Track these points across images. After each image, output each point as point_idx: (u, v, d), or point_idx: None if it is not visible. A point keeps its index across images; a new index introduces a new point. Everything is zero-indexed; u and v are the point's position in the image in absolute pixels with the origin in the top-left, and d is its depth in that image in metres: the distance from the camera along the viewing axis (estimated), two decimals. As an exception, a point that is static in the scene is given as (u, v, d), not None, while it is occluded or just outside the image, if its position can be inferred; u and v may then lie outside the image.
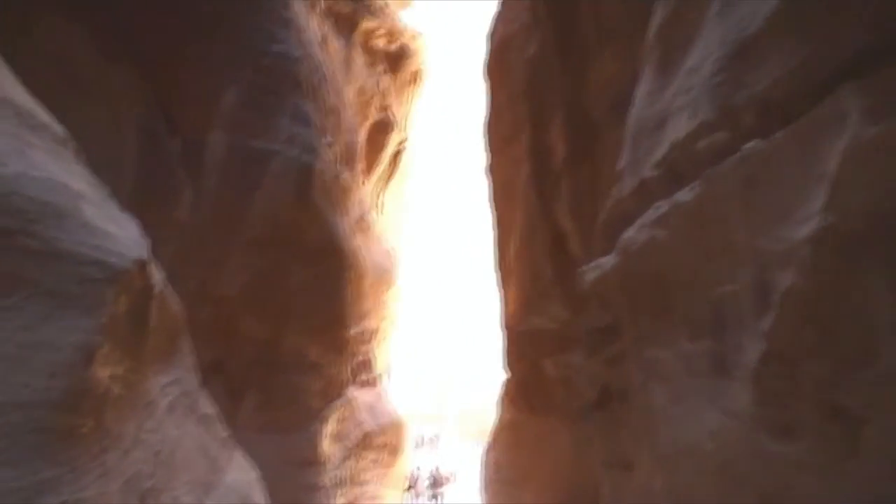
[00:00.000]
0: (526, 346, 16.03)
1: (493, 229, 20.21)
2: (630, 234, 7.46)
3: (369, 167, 23.58)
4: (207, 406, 9.98)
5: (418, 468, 29.23)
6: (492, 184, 20.08)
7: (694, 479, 6.13)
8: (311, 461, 14.55)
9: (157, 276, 7.57)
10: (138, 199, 11.73)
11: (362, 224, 21.12)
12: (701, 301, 6.27)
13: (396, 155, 26.82)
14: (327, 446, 15.48)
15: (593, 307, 8.98)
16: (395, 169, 27.12)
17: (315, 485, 14.42)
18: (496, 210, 19.86)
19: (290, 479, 13.88)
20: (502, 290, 19.09)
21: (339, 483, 16.04)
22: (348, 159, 19.14)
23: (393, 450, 22.72)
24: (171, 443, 8.20)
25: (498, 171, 19.34)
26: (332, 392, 16.05)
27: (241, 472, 10.47)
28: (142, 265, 6.67)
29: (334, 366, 16.01)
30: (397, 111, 25.99)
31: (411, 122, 28.35)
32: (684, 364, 6.44)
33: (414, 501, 28.13)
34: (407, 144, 27.66)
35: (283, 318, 14.41)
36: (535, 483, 15.13)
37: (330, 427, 15.60)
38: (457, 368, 62.05)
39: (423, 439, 51.57)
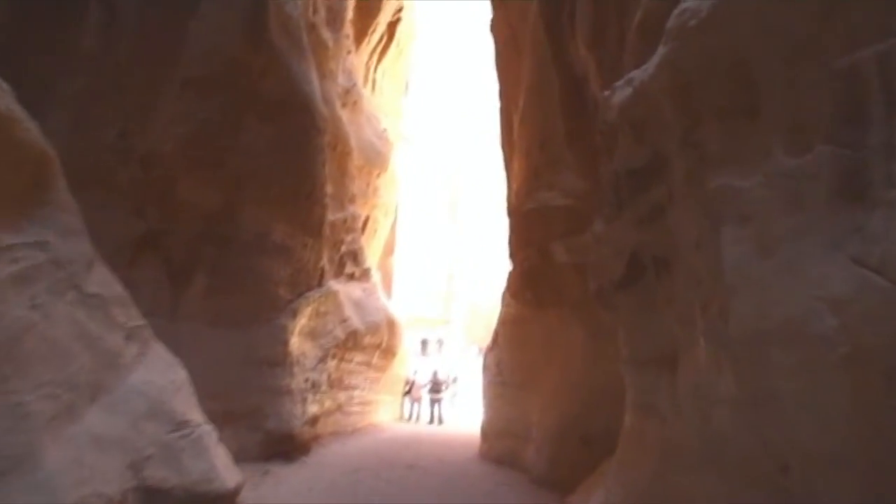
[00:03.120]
0: (532, 228, 13.51)
1: (499, 100, 17.69)
2: (688, 2, 4.79)
3: (360, 35, 20.77)
4: (104, 284, 7.45)
5: (415, 372, 27.30)
6: (495, 43, 17.45)
7: (799, 377, 3.61)
8: (276, 361, 12.22)
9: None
10: (22, 21, 9.07)
11: (349, 97, 18.57)
12: (815, 84, 3.76)
13: (392, 25, 23.92)
14: (298, 345, 13.17)
15: (623, 142, 6.34)
16: (391, 42, 24.31)
17: (280, 388, 12.14)
18: (500, 74, 17.36)
19: (249, 381, 11.71)
20: (507, 170, 16.65)
21: (314, 387, 13.80)
22: (331, 19, 16.48)
23: (386, 352, 20.61)
24: (13, 327, 5.74)
25: (502, 25, 16.70)
26: (305, 281, 13.62)
27: (157, 373, 8.01)
28: None
29: (307, 250, 13.54)
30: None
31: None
32: (783, 190, 3.87)
33: (411, 407, 26.27)
34: (404, 14, 24.75)
35: (237, 184, 11.71)
36: (542, 387, 12.97)
37: (301, 322, 13.28)
38: (462, 269, 59.97)
39: (426, 344, 50.44)
